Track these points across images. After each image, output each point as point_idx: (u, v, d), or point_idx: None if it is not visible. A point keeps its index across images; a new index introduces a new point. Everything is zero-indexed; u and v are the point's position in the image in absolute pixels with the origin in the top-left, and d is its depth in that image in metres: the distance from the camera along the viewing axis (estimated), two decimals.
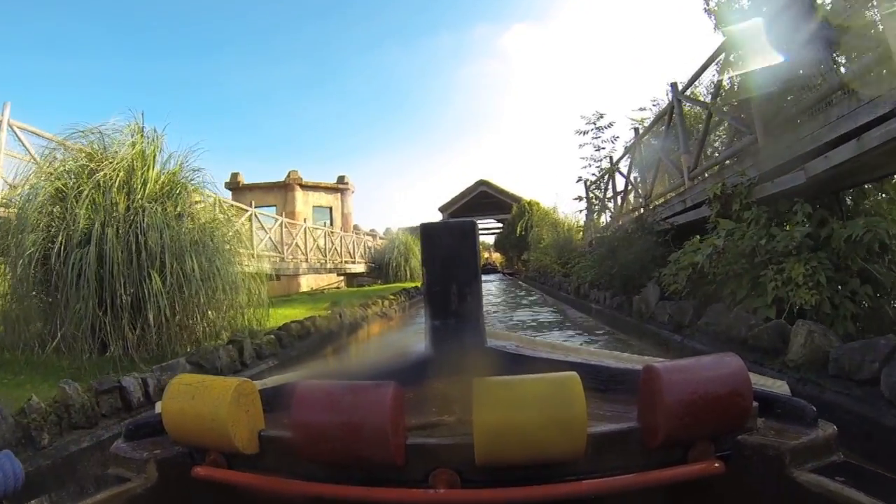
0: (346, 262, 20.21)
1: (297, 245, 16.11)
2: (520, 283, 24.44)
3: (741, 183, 5.73)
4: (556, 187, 38.70)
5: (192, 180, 6.97)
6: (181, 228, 5.94)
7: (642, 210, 9.44)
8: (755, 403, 1.03)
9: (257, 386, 1.17)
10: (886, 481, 0.89)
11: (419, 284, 17.19)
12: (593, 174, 8.65)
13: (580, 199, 11.97)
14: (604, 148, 8.37)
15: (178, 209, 6.28)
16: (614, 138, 8.19)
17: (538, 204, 30.97)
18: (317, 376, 1.36)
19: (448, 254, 1.55)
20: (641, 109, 12.54)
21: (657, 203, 8.86)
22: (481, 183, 37.43)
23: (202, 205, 7.19)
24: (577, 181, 8.74)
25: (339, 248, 19.53)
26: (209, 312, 6.13)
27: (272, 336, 5.96)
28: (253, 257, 13.70)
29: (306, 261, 16.44)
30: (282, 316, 9.86)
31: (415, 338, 1.76)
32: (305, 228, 16.80)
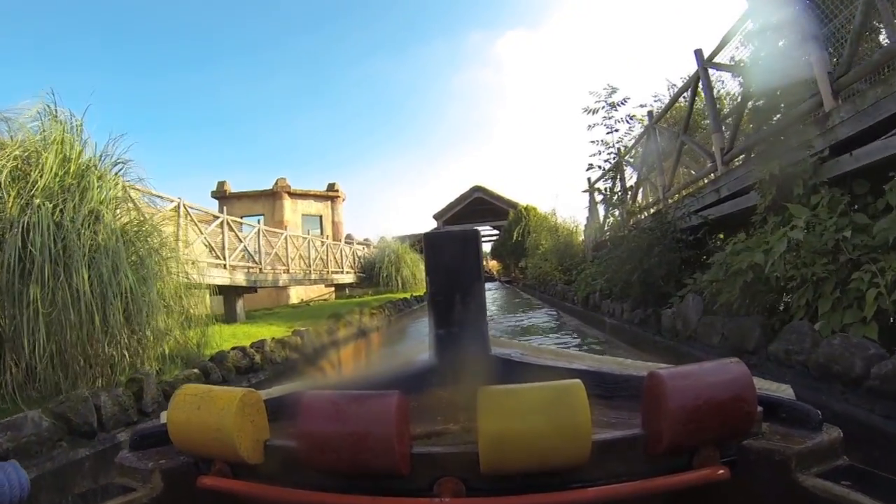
0: (332, 272, 18.69)
1: (276, 255, 14.63)
2: (518, 291, 22.83)
3: (805, 159, 4.33)
4: (554, 191, 37.04)
5: (119, 173, 5.60)
6: (82, 231, 4.51)
7: (660, 205, 8.02)
8: (760, 408, 1.02)
9: (262, 396, 1.14)
10: (893, 485, 0.87)
11: (410, 295, 15.67)
12: (606, 161, 7.20)
13: (592, 189, 10.51)
14: (617, 129, 6.90)
15: (87, 208, 4.85)
16: (630, 118, 6.77)
17: (535, 209, 29.69)
18: (321, 386, 1.37)
19: (451, 262, 1.55)
20: (642, 106, 12.06)
21: (680, 196, 7.44)
22: (476, 189, 36.05)
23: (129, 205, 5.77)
24: (588, 169, 7.28)
25: (324, 258, 18.02)
26: (126, 337, 4.72)
27: (196, 370, 4.48)
28: (225, 268, 12.44)
29: (287, 271, 14.95)
30: (244, 335, 8.39)
31: (419, 347, 1.75)
32: (287, 237, 15.32)
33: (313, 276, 16.46)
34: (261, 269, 13.62)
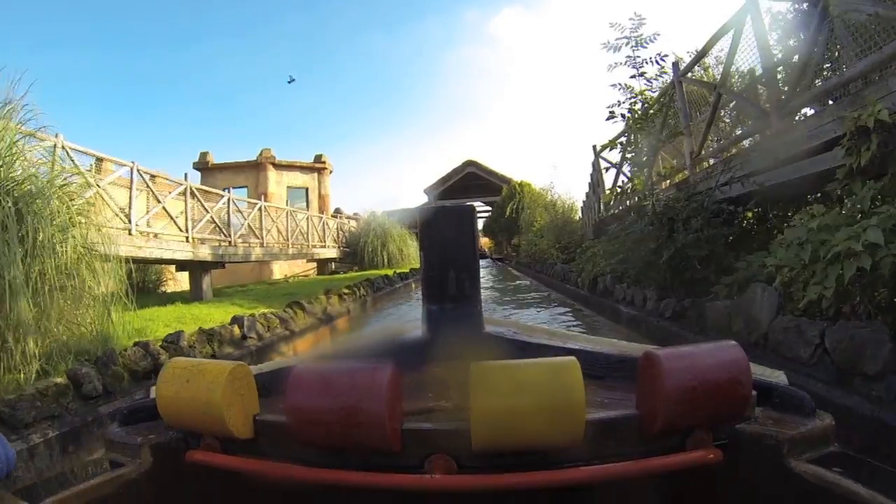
0: (313, 246, 17.25)
1: (249, 227, 13.21)
2: (511, 270, 21.40)
3: None
4: (552, 161, 34.98)
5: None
6: None
7: (679, 175, 6.69)
8: (753, 392, 1.00)
9: (253, 370, 1.13)
10: (883, 473, 0.87)
11: (394, 272, 14.29)
12: (629, 111, 5.79)
13: (598, 157, 9.14)
14: (644, 73, 5.50)
15: None
16: (661, 57, 5.35)
17: (529, 185, 28.31)
18: (313, 360, 1.30)
19: (446, 238, 1.53)
20: (663, 59, 10.97)
21: (710, 164, 6.11)
22: (469, 164, 34.50)
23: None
24: (609, 118, 5.88)
25: (304, 231, 16.56)
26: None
27: (60, 380, 3.09)
28: (187, 241, 11.02)
29: (262, 245, 13.55)
30: (192, 319, 7.06)
31: (412, 324, 1.71)
32: (262, 207, 13.87)
33: (291, 251, 15.05)
34: (231, 243, 12.21)
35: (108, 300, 4.09)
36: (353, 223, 22.69)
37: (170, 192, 10.89)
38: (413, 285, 13.46)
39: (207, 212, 11.73)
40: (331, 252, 18.57)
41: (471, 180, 34.35)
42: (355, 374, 0.96)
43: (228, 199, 12.49)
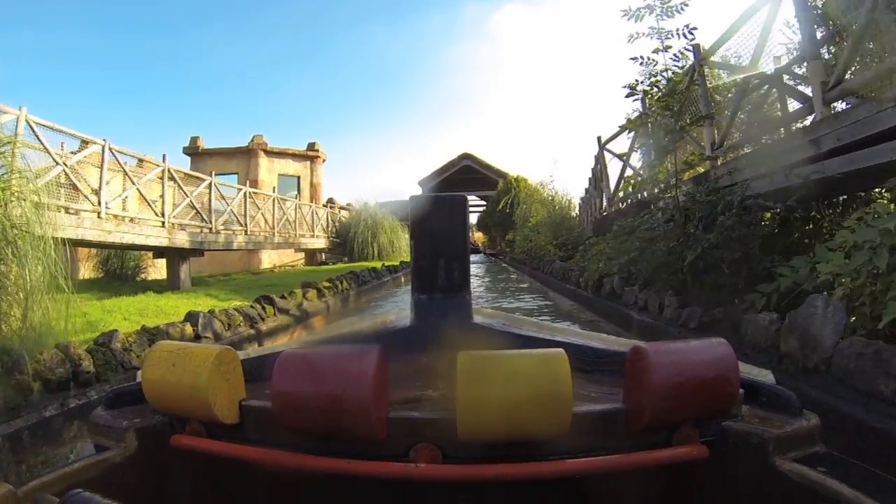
0: (301, 235, 16.52)
1: (233, 213, 12.48)
2: (505, 266, 20.68)
3: None
4: (553, 156, 33.64)
5: None
6: None
7: (703, 165, 6.06)
8: (741, 390, 1.00)
9: (240, 355, 1.11)
10: (867, 473, 0.88)
11: (382, 264, 13.60)
12: (652, 86, 5.10)
13: (603, 148, 8.47)
14: (669, 47, 4.82)
15: None
16: (690, 30, 4.67)
17: (525, 180, 27.69)
18: (301, 346, 1.30)
19: (437, 228, 1.52)
20: (692, 31, 10.34)
21: (735, 154, 5.48)
22: (465, 157, 33.78)
23: None
24: (628, 96, 5.21)
25: (292, 220, 15.82)
26: None
27: None
28: (163, 226, 10.30)
29: (245, 232, 12.83)
30: (155, 311, 6.37)
31: (401, 313, 1.71)
32: (246, 192, 13.14)
33: (277, 240, 14.32)
34: (212, 229, 11.50)
35: (35, 289, 3.39)
36: (344, 213, 21.94)
37: (147, 175, 10.17)
38: (402, 279, 12.78)
39: (187, 196, 11.00)
40: (320, 242, 17.85)
41: (466, 173, 33.65)
42: (341, 361, 0.95)
43: (211, 184, 11.76)
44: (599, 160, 9.62)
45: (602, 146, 9.46)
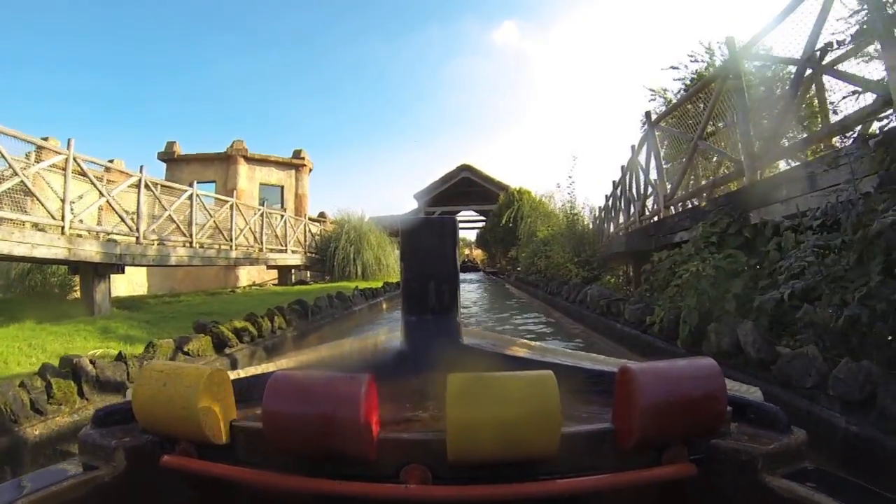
0: (269, 250, 13.68)
1: (172, 219, 9.72)
2: (510, 288, 17.58)
3: None
4: (572, 152, 28.90)
5: None
6: None
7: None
8: (729, 408, 0.99)
9: (231, 376, 1.10)
10: (855, 487, 0.87)
11: (355, 288, 10.60)
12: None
13: (653, 125, 5.78)
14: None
15: None
16: None
17: (529, 192, 25.07)
18: (292, 368, 1.32)
19: (427, 250, 1.53)
20: (674, 68, 9.55)
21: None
22: (464, 168, 31.15)
23: None
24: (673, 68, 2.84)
25: (255, 231, 13.00)
26: None
27: None
28: (63, 232, 7.56)
29: (190, 244, 10.06)
30: None
31: (392, 333, 1.68)
32: (192, 194, 10.38)
33: (234, 255, 11.50)
34: (138, 239, 8.73)
35: None
36: (326, 227, 19.16)
37: (38, 166, 7.45)
38: (384, 305, 9.98)
39: (103, 195, 8.26)
40: (293, 259, 15.01)
41: (465, 186, 31.04)
42: (333, 382, 0.93)
43: (141, 181, 9.01)
44: (648, 143, 6.87)
45: (653, 124, 6.74)
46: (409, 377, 1.33)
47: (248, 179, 22.15)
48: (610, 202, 11.62)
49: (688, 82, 9.17)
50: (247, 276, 18.94)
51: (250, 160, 22.42)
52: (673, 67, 9.07)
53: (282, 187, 23.19)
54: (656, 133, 6.73)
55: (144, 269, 15.73)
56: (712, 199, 5.28)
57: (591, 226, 12.76)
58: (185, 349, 3.81)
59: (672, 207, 6.73)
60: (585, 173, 45.72)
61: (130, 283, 18.74)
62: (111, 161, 10.83)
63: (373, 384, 0.92)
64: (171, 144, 22.77)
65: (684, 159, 6.04)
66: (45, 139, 9.61)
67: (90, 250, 7.79)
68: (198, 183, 18.86)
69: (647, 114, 6.97)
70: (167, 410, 0.98)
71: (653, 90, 12.54)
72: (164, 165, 21.93)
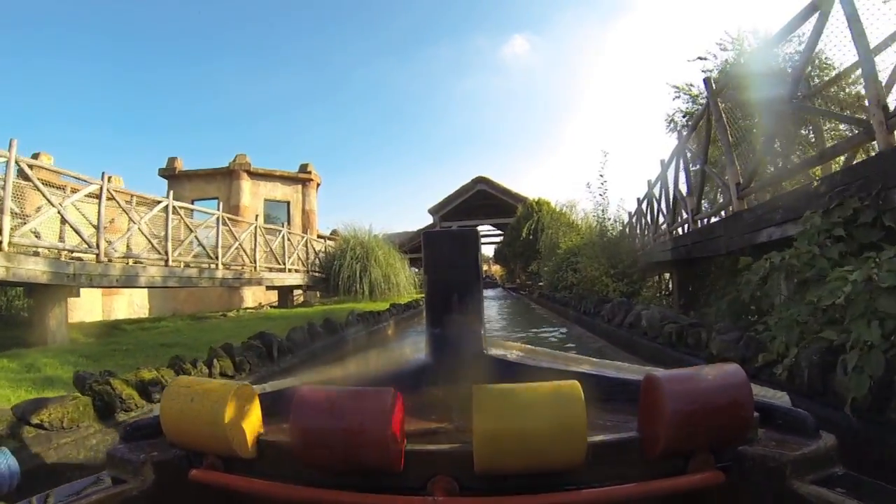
0: (264, 268, 12.28)
1: (144, 234, 8.40)
2: (534, 307, 15.69)
3: None
4: (603, 148, 28.41)
5: None
6: None
7: None
8: (756, 414, 0.97)
9: (257, 391, 1.09)
10: (887, 493, 0.83)
11: (351, 311, 8.96)
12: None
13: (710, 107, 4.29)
14: None
15: None
16: None
17: (548, 203, 23.53)
18: (317, 382, 1.27)
19: (449, 262, 1.51)
20: (702, 59, 9.50)
21: None
22: (480, 180, 29.69)
23: None
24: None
25: (247, 249, 11.62)
26: None
27: None
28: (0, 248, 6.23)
29: (166, 263, 8.70)
30: None
31: (415, 346, 1.66)
32: (170, 206, 9.06)
33: (220, 274, 10.12)
34: (98, 257, 7.40)
35: None
36: (332, 243, 17.79)
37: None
38: (389, 330, 8.47)
39: (53, 206, 6.96)
40: (293, 278, 13.55)
41: (481, 199, 29.59)
42: (359, 396, 0.93)
43: (102, 189, 7.69)
44: (713, 113, 5.28)
45: (715, 93, 5.21)
46: (434, 389, 1.34)
47: (252, 195, 21.01)
48: (644, 205, 10.08)
49: (715, 74, 8.13)
50: (252, 296, 17.67)
51: (254, 175, 21.31)
52: (700, 58, 7.98)
53: (288, 203, 22.01)
54: (720, 104, 5.20)
55: (146, 290, 14.66)
56: (827, 176, 3.75)
57: (627, 231, 11.20)
58: (34, 420, 2.36)
59: (745, 201, 5.22)
60: (613, 177, 43.98)
61: (131, 304, 17.50)
62: (107, 174, 9.60)
63: (399, 397, 0.92)
64: (172, 160, 21.79)
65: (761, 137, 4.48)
66: (36, 156, 8.49)
67: (34, 269, 6.43)
68: (200, 201, 17.78)
69: (707, 80, 5.45)
70: (195, 425, 0.98)
71: (676, 87, 11.19)
72: (165, 182, 20.95)
